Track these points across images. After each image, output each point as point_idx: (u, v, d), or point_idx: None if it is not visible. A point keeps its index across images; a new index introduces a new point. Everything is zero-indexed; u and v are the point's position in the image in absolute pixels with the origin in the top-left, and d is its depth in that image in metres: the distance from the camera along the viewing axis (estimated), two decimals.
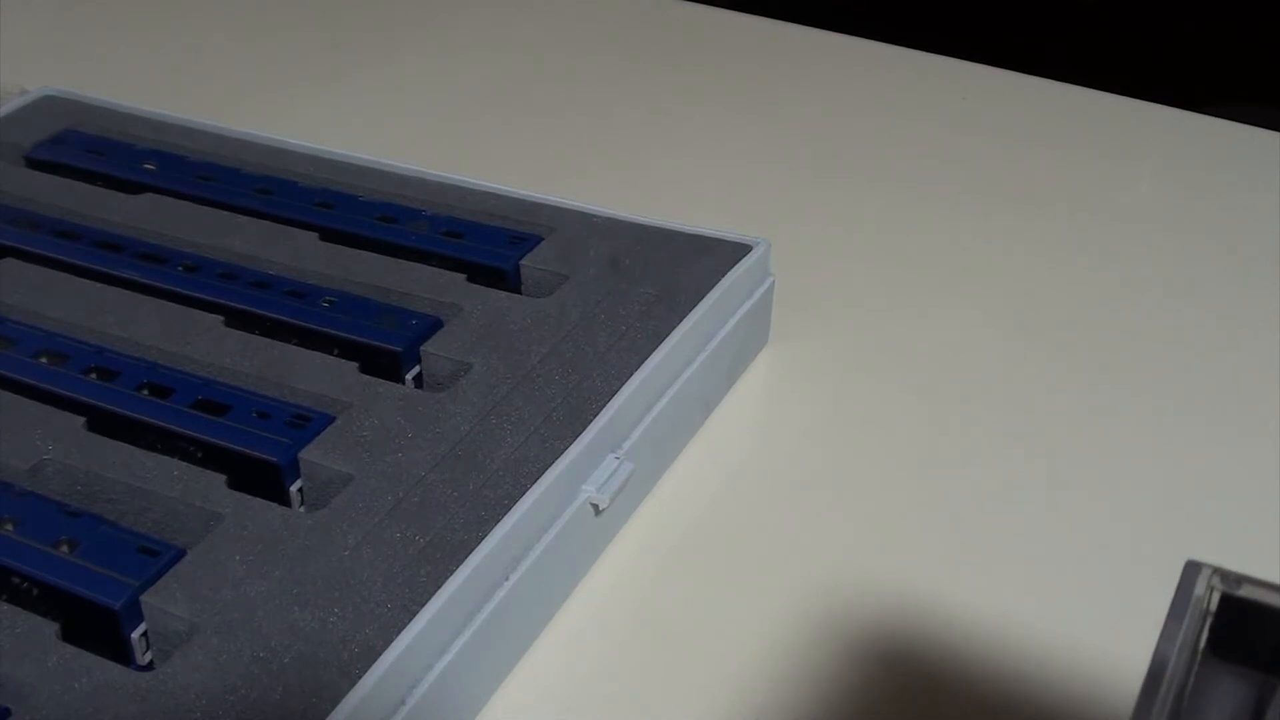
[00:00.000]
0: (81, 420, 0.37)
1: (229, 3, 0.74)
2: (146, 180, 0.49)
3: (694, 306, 0.41)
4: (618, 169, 0.58)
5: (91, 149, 0.50)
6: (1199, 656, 0.23)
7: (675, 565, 0.38)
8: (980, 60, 0.66)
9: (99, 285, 0.43)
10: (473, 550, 0.32)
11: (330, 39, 0.70)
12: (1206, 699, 0.23)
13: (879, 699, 0.34)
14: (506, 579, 0.33)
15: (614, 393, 0.38)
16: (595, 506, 0.36)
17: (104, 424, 0.37)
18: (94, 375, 0.39)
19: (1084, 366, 0.46)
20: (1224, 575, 0.24)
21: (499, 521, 0.33)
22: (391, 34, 0.71)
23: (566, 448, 0.36)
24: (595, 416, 0.37)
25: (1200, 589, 0.23)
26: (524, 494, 0.34)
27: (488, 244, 0.44)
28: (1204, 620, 0.23)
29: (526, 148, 0.60)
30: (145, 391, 0.38)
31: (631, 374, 0.38)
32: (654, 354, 0.39)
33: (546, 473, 0.35)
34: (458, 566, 0.32)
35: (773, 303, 0.45)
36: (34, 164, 0.50)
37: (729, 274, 0.42)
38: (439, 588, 0.31)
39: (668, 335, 0.40)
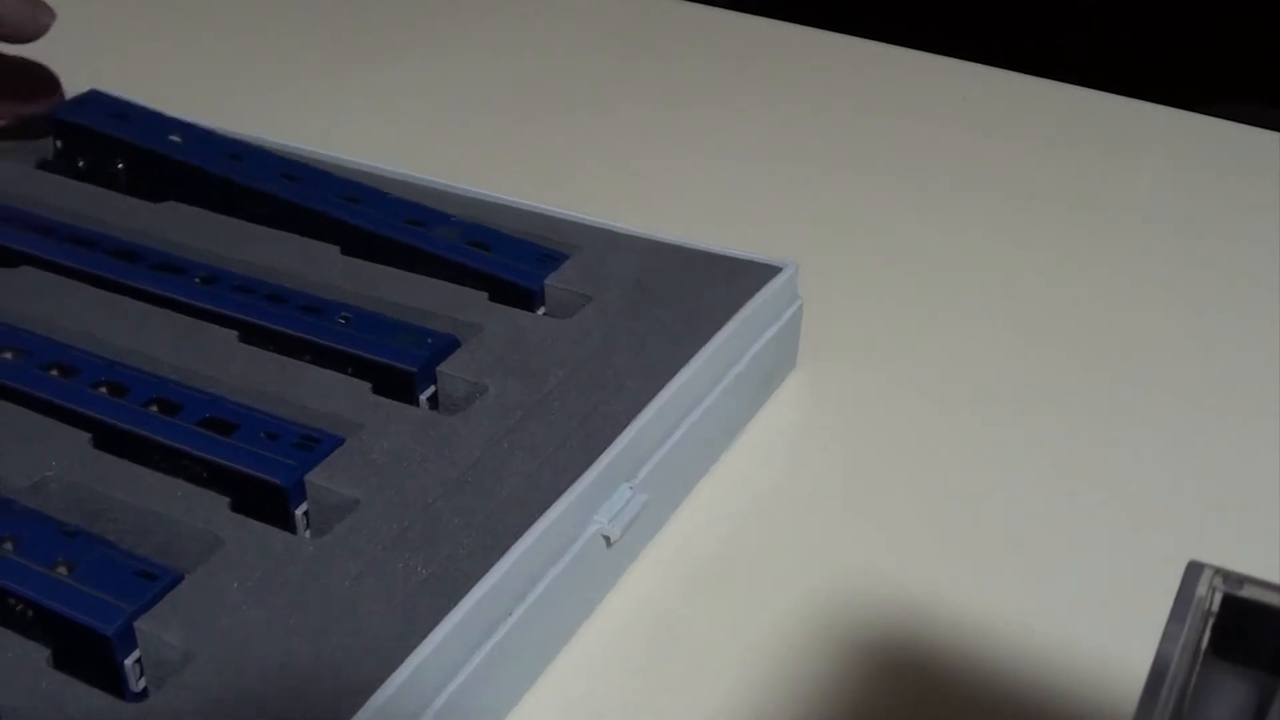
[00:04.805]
0: (87, 437, 0.36)
1: (232, 4, 0.74)
2: (172, 153, 0.48)
3: (718, 330, 0.40)
4: (624, 174, 0.57)
5: (116, 113, 0.50)
6: (1201, 657, 0.23)
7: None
8: (980, 60, 0.66)
9: (115, 296, 0.42)
10: (476, 583, 0.31)
11: (337, 42, 0.70)
12: (1208, 700, 0.23)
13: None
14: (510, 614, 0.32)
15: (630, 420, 0.36)
16: (606, 539, 0.35)
17: (110, 441, 0.37)
18: (103, 389, 0.38)
19: (1088, 368, 0.45)
20: (1226, 576, 0.24)
21: (505, 553, 0.32)
22: (397, 37, 0.70)
23: (578, 476, 0.35)
24: (609, 444, 0.36)
25: (1202, 589, 0.24)
26: (532, 524, 0.33)
27: (515, 260, 0.43)
28: (1206, 621, 0.23)
29: (537, 154, 0.59)
30: (154, 408, 0.37)
31: (649, 400, 0.37)
32: (672, 380, 0.38)
33: (556, 503, 0.34)
34: (460, 600, 0.31)
35: (801, 326, 0.44)
36: (59, 126, 0.50)
37: (755, 297, 0.41)
38: (439, 622, 0.30)
39: (689, 360, 0.39)
